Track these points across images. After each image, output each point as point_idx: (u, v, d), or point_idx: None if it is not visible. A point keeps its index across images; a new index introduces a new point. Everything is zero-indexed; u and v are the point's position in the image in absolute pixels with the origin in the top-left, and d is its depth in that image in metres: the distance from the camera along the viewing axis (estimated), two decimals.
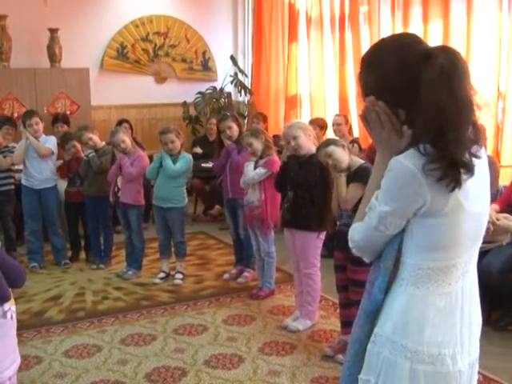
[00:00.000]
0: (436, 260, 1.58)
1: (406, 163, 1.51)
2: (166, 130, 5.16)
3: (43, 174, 5.57)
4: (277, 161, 4.66)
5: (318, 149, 3.86)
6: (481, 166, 1.58)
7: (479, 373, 3.55)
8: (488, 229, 3.66)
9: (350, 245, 1.68)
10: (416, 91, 1.49)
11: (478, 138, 1.55)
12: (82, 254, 5.96)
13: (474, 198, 1.57)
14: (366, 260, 1.69)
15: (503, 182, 4.95)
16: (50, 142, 5.61)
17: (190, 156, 5.30)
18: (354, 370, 1.70)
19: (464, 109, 1.50)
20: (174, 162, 5.12)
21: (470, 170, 1.50)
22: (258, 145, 4.66)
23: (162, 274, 5.32)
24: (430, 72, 1.48)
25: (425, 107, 1.49)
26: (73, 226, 5.93)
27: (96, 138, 5.54)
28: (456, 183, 1.49)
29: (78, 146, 5.69)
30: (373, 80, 1.60)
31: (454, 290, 1.61)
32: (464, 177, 1.49)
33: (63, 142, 5.85)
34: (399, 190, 1.54)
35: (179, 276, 5.28)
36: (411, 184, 1.51)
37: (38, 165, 5.54)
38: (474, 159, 1.52)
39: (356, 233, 1.66)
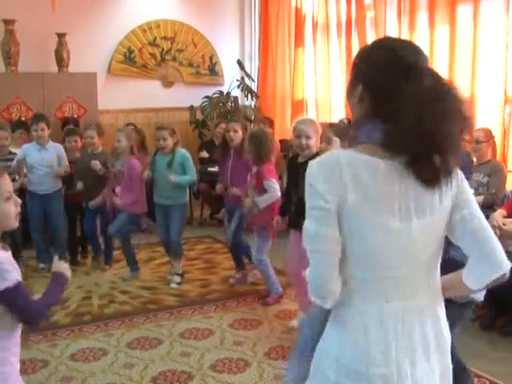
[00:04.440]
0: (355, 269, 1.55)
1: None
2: (162, 127, 5.38)
3: (49, 181, 5.58)
4: (269, 168, 4.70)
5: None
6: (416, 184, 1.54)
7: (485, 378, 3.54)
8: (494, 234, 3.65)
9: None
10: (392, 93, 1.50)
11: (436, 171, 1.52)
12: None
13: (393, 214, 1.52)
14: None
15: (511, 186, 4.94)
16: (61, 155, 5.63)
17: (185, 151, 5.32)
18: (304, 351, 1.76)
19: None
20: (170, 160, 5.15)
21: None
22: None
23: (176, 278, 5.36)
24: (415, 85, 1.49)
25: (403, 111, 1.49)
26: (72, 229, 5.93)
27: (97, 140, 5.61)
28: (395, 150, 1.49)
29: (79, 143, 5.74)
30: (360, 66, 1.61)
31: (385, 310, 1.55)
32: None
33: (67, 134, 5.95)
34: None
35: (177, 279, 5.30)
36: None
37: (44, 174, 5.55)
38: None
39: None
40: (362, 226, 1.52)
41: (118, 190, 5.33)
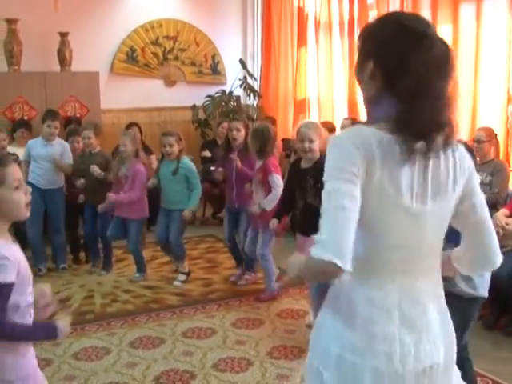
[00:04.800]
0: (367, 245, 1.54)
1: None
2: (168, 132, 5.35)
3: (50, 176, 5.57)
4: (274, 162, 4.76)
5: None
6: (435, 168, 1.56)
7: (488, 378, 3.53)
8: (497, 233, 3.64)
9: None
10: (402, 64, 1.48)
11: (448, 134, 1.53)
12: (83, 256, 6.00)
13: (412, 195, 1.53)
14: None
15: None
16: (66, 152, 5.62)
17: (190, 162, 5.34)
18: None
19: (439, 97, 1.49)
20: (175, 167, 5.15)
21: (427, 144, 1.49)
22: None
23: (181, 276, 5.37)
24: (424, 55, 1.47)
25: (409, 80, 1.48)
26: (72, 228, 5.92)
27: (94, 140, 5.55)
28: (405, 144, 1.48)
29: (81, 144, 5.75)
30: (368, 43, 1.60)
31: (392, 290, 1.56)
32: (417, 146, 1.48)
33: (69, 134, 5.96)
34: None
35: (181, 277, 5.32)
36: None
37: (47, 168, 5.55)
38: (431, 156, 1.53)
39: None
40: (385, 205, 1.51)
41: (121, 194, 5.27)
